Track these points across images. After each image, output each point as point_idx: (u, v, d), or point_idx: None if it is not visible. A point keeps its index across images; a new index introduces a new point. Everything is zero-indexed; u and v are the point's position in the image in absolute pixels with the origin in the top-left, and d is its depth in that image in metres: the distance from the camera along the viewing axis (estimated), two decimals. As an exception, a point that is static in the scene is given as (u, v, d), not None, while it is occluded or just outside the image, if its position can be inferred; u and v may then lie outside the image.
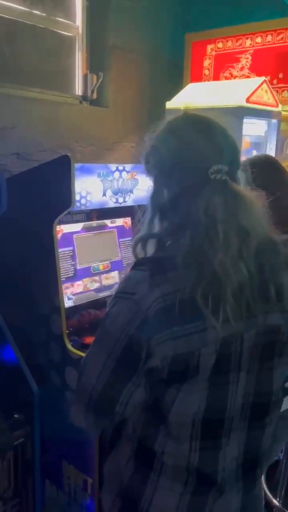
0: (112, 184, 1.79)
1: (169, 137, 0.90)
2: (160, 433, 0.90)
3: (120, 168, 1.81)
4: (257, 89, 2.27)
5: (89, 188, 1.71)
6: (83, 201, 1.70)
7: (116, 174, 1.79)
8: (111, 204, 1.83)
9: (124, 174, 1.82)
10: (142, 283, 0.83)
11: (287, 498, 2.06)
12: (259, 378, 0.90)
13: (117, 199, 1.84)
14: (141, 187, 1.87)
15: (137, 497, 0.94)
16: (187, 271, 0.82)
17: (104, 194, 1.77)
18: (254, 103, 2.24)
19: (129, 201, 1.89)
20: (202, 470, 0.89)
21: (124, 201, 1.87)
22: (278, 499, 2.04)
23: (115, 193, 1.82)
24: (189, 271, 0.81)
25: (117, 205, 1.85)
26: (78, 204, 1.66)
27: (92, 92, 2.57)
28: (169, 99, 2.45)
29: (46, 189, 1.60)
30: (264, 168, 1.70)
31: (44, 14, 2.34)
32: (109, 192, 1.79)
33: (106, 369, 0.86)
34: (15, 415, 1.44)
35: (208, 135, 0.88)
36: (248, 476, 0.96)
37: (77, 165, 1.54)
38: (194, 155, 0.87)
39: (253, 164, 1.71)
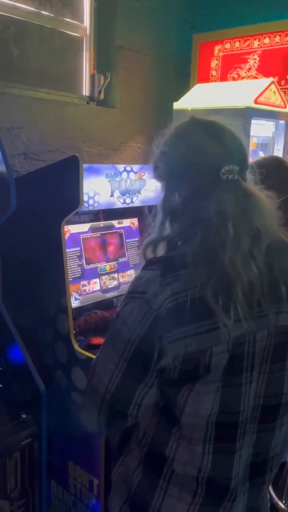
0: (120, 184, 1.79)
1: (177, 141, 0.90)
2: (172, 436, 0.89)
3: (128, 168, 1.81)
4: (265, 90, 2.26)
5: (96, 189, 1.71)
6: (90, 201, 1.70)
7: (124, 174, 1.79)
8: (119, 204, 1.83)
9: (131, 174, 1.82)
10: (153, 282, 0.83)
11: (293, 501, 2.04)
12: (270, 380, 0.90)
13: (124, 200, 1.84)
14: (149, 187, 1.87)
15: (145, 505, 0.93)
16: (197, 269, 0.81)
17: (111, 195, 1.77)
18: (262, 104, 2.23)
19: (137, 201, 1.89)
20: (215, 477, 0.88)
21: (132, 202, 1.87)
22: (284, 501, 2.02)
23: (123, 193, 1.82)
24: (200, 269, 0.81)
25: (125, 205, 1.85)
26: (85, 204, 1.66)
27: (99, 92, 2.57)
28: (176, 100, 2.45)
29: (54, 190, 1.60)
30: (272, 170, 1.70)
31: (52, 15, 2.34)
32: (116, 193, 1.79)
33: (118, 370, 0.85)
34: (22, 415, 1.43)
35: (217, 137, 0.88)
36: (256, 479, 0.95)
37: (85, 166, 1.54)
38: (204, 157, 0.87)
39: (261, 166, 1.71)
